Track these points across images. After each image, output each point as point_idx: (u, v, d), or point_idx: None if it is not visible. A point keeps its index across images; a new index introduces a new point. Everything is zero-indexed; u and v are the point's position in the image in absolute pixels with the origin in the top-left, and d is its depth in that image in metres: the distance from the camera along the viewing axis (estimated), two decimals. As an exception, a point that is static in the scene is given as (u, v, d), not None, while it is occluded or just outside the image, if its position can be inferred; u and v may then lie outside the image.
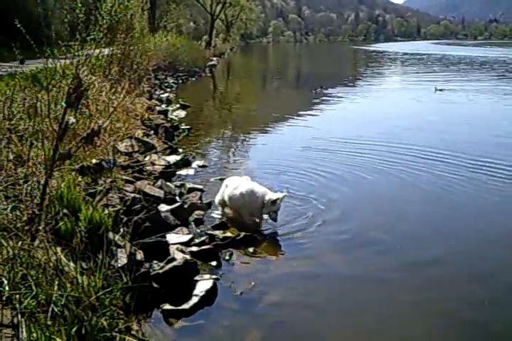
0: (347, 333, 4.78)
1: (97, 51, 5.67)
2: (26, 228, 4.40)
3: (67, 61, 5.37)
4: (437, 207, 8.09)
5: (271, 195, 6.83)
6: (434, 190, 8.70)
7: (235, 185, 7.16)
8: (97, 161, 5.76)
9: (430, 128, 14.35)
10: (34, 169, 5.52)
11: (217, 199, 7.46)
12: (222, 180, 8.98)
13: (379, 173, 9.71)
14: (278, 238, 6.75)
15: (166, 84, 23.38)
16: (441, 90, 22.36)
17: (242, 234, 6.53)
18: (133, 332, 4.18)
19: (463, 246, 6.61)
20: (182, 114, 15.85)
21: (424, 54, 61.36)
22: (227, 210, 7.35)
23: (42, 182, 5.02)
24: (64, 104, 5.01)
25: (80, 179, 6.10)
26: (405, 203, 8.24)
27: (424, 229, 7.25)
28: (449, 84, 24.99)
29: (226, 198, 7.19)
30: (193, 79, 28.78)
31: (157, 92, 19.92)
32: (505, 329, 4.88)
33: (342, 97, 21.00)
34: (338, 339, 4.68)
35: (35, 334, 3.27)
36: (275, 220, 6.88)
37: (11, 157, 5.64)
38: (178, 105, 17.19)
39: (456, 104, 19.49)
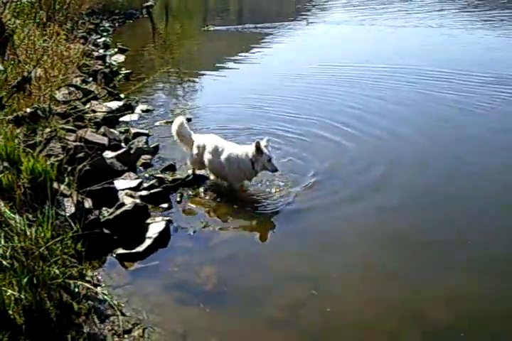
0: (293, 262, 4.92)
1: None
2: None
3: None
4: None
5: (251, 148, 6.04)
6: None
7: (213, 148, 6.27)
8: (32, 110, 5.54)
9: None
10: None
11: (191, 161, 6.60)
12: (167, 123, 8.88)
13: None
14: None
15: (101, 28, 22.36)
16: (312, 23, 22.97)
17: (191, 175, 6.52)
18: (87, 278, 4.19)
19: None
20: (121, 58, 15.31)
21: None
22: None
23: (-24, 136, 4.82)
24: (-12, 52, 4.75)
25: (17, 131, 5.88)
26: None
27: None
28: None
29: (207, 163, 6.36)
30: (130, 21, 27.58)
31: (93, 37, 19.08)
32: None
33: (281, 35, 20.70)
34: (285, 267, 4.81)
35: (-16, 288, 3.23)
36: (275, 170, 6.04)
37: None
38: (116, 49, 16.58)
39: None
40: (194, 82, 12.98)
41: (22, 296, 3.31)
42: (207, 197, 6.17)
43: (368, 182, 6.49)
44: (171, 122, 8.88)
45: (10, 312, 3.25)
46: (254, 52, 16.68)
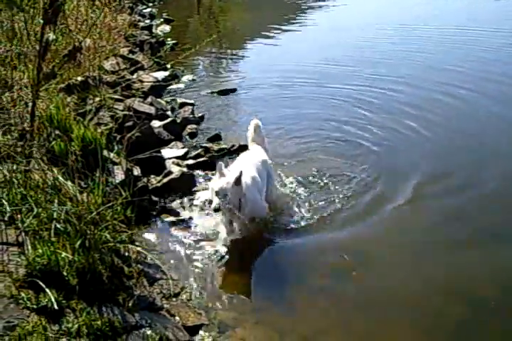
0: (340, 234, 4.90)
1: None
2: (19, 150, 4.39)
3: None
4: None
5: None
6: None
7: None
8: (83, 79, 5.64)
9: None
10: (20, 92, 5.41)
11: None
12: (213, 93, 8.90)
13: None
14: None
15: (147, -2, 22.35)
16: None
17: (237, 144, 6.53)
18: (136, 243, 4.30)
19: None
20: (167, 28, 15.30)
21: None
22: None
23: (30, 104, 4.94)
24: (41, 21, 4.81)
25: (68, 99, 6.01)
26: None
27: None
28: None
29: None
30: (176, -9, 27.50)
31: (139, 7, 19.09)
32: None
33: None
34: (330, 238, 4.82)
35: (40, 250, 3.35)
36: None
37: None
38: (161, 20, 16.58)
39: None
40: (238, 52, 12.87)
41: (75, 259, 3.42)
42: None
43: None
44: (216, 92, 8.95)
45: (64, 273, 3.37)
46: (300, 20, 16.43)
